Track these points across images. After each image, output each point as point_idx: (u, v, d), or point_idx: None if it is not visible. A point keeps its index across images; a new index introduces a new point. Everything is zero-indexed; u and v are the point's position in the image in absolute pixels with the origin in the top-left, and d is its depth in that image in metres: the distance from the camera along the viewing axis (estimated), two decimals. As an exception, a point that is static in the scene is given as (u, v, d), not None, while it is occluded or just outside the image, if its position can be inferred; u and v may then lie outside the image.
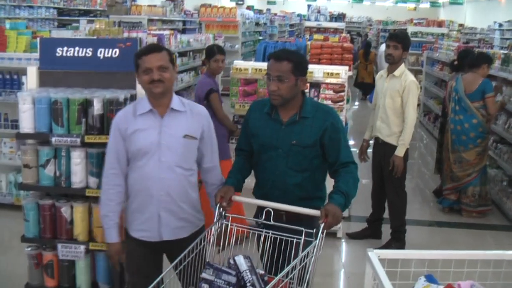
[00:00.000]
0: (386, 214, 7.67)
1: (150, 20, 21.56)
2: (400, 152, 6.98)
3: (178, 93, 13.92)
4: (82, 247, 4.60)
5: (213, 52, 7.66)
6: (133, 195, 4.20)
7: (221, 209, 4.02)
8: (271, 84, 4.09)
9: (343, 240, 7.73)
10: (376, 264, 3.33)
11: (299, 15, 37.59)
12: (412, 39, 16.41)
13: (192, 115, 4.20)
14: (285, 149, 4.20)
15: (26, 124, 4.57)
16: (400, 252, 4.04)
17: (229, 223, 4.05)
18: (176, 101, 4.19)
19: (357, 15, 49.58)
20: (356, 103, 20.36)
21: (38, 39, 5.42)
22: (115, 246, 4.27)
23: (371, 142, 7.66)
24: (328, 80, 7.44)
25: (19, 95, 4.61)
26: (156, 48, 4.13)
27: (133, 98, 4.71)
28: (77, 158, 4.51)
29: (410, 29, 20.21)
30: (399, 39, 7.06)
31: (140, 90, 4.76)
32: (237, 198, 4.13)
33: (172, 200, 4.13)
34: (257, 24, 24.36)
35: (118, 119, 4.17)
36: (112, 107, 4.46)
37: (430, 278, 3.46)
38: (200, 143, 4.25)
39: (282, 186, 4.23)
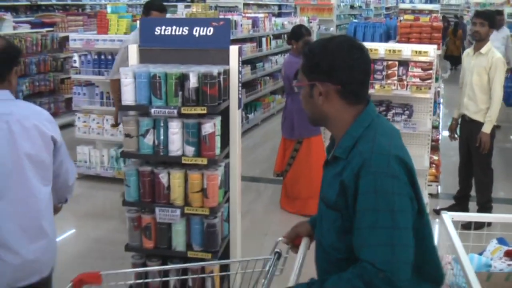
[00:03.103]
0: (473, 192, 7.75)
1: (246, 4, 21.85)
2: (487, 128, 7.06)
3: (272, 74, 14.28)
4: (178, 211, 4.91)
5: (300, 33, 7.94)
6: None
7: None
8: None
9: (430, 217, 7.84)
10: (449, 225, 3.51)
11: (395, -2, 37.23)
12: (508, 20, 16.19)
13: None
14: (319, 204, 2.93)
15: (128, 97, 4.93)
16: (473, 215, 4.20)
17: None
18: None
19: (455, -2, 48.61)
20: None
21: (138, 20, 5.79)
22: None
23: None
24: (416, 58, 7.55)
25: (121, 70, 4.98)
26: None
27: (226, 73, 5.01)
28: (175, 128, 4.81)
29: (507, 10, 19.82)
30: (485, 16, 7.15)
31: (233, 65, 5.10)
32: None
33: None
34: (352, 7, 24.36)
35: None
36: (206, 80, 4.76)
37: (501, 241, 3.64)
38: None
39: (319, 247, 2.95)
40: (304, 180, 7.94)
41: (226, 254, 5.49)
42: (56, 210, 4.16)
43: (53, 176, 3.82)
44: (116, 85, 6.93)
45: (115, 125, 8.24)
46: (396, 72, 7.65)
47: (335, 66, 2.63)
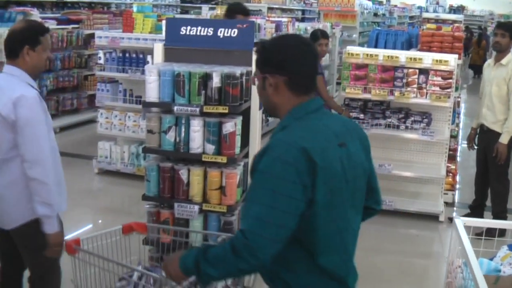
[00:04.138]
0: (488, 202, 7.80)
1: (270, 9, 21.95)
2: (504, 139, 7.10)
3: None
4: (196, 207, 5.03)
5: (316, 36, 8.06)
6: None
7: None
8: None
9: (444, 225, 7.91)
10: (461, 230, 3.59)
11: (419, 7, 37.11)
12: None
13: None
14: None
15: (152, 94, 5.06)
16: (485, 221, 4.27)
17: None
18: None
19: (479, 8, 48.40)
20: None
21: (163, 20, 5.90)
22: (60, 235, 4.18)
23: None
24: (436, 67, 7.62)
25: (147, 68, 5.11)
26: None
27: (248, 74, 5.11)
28: (196, 126, 4.93)
29: (531, 23, 19.77)
30: (506, 27, 7.21)
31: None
32: None
33: None
34: (375, 14, 24.34)
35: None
36: (229, 81, 4.87)
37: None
38: None
39: None
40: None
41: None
42: (47, 243, 4.13)
43: (17, 155, 4.03)
44: None
45: None
46: (416, 80, 7.72)
47: (283, 59, 2.84)
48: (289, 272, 2.80)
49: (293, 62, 2.84)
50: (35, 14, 11.92)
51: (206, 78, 4.92)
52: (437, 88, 7.63)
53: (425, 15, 21.87)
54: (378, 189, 3.19)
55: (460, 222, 3.67)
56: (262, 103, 3.07)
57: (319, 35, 8.08)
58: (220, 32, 5.34)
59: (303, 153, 2.64)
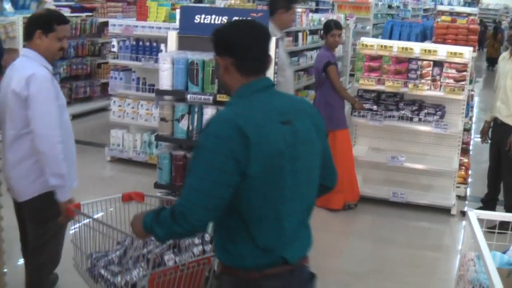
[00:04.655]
0: (501, 196, 7.76)
1: (284, -1, 21.85)
2: (517, 133, 7.07)
3: (306, 69, 14.31)
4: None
5: (330, 27, 8.01)
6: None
7: None
8: None
9: (456, 218, 7.89)
10: (474, 223, 3.56)
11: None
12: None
13: None
14: None
15: (165, 82, 5.05)
16: (498, 214, 4.23)
17: None
18: None
19: (494, 2, 48.14)
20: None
21: (178, 9, 5.88)
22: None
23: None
24: (451, 59, 7.58)
25: (160, 56, 5.11)
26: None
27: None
28: (209, 114, 4.90)
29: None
30: (521, 21, 7.17)
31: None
32: None
33: None
34: (389, 6, 24.25)
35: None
36: (243, 69, 4.86)
37: (525, 240, 3.67)
38: None
39: None
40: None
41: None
42: (60, 210, 4.45)
43: (28, 132, 4.37)
44: None
45: None
46: (430, 72, 7.68)
47: (232, 43, 3.02)
48: (230, 241, 2.99)
49: (240, 45, 3.02)
50: (49, 2, 11.91)
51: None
52: (451, 81, 7.60)
53: (439, 7, 21.71)
54: (332, 167, 3.33)
55: (474, 214, 3.64)
56: (220, 83, 3.33)
57: (332, 25, 8.03)
58: (235, 21, 5.32)
59: (237, 129, 2.80)
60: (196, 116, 4.98)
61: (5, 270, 4.96)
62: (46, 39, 4.41)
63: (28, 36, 4.49)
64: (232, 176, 2.81)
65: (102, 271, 3.84)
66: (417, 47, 7.81)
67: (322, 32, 8.39)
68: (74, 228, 4.07)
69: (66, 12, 12.31)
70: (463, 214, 7.76)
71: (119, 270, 3.74)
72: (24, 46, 4.62)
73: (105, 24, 12.18)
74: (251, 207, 2.89)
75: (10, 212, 4.95)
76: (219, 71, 3.12)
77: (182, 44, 5.45)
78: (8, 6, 10.48)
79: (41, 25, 4.42)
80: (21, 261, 5.53)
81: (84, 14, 13.20)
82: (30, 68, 4.33)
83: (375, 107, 7.97)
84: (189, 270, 3.80)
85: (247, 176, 2.82)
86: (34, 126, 4.29)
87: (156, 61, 8.66)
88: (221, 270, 3.14)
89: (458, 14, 18.38)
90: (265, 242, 2.94)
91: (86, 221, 3.96)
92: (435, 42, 8.75)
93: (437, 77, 7.67)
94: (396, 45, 7.91)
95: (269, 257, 2.97)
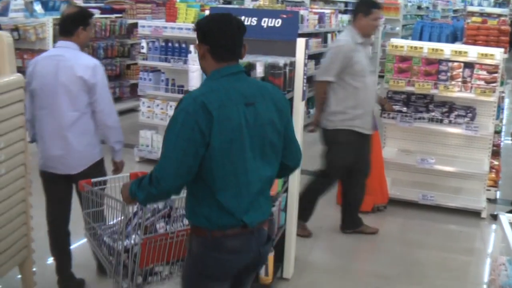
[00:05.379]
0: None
1: (313, 0, 21.84)
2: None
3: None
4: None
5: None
6: None
7: None
8: None
9: (486, 221, 7.81)
10: (505, 226, 3.53)
11: (463, 0, 36.65)
12: None
13: None
14: None
15: (195, 83, 5.07)
16: (531, 218, 4.18)
17: None
18: None
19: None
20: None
21: (207, 10, 5.89)
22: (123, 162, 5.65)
23: None
24: (481, 61, 7.52)
25: (190, 57, 5.13)
26: None
27: (292, 64, 5.09)
28: (239, 116, 4.91)
29: None
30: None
31: (299, 57, 5.16)
32: None
33: None
34: (419, 7, 24.13)
35: None
36: (272, 71, 4.85)
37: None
38: None
39: None
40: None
41: (281, 243, 5.58)
42: (117, 167, 5.57)
43: (91, 111, 5.15)
44: (323, 87, 6.73)
45: (313, 130, 7.22)
46: (461, 73, 7.63)
47: (207, 32, 3.47)
48: (198, 205, 3.45)
49: (214, 34, 3.45)
50: (79, 3, 12.01)
51: (249, 67, 4.89)
52: (482, 82, 7.54)
53: (469, 8, 21.60)
54: (294, 148, 3.72)
55: (505, 218, 3.61)
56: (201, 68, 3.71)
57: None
58: (264, 22, 5.33)
59: (202, 106, 3.25)
60: (225, 117, 4.98)
61: (34, 269, 5.03)
62: (85, 33, 5.19)
63: (68, 32, 5.14)
64: (198, 146, 3.25)
65: (105, 238, 4.35)
66: (447, 49, 7.76)
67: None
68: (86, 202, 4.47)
69: (96, 14, 12.41)
70: (494, 217, 7.69)
71: (119, 237, 4.19)
72: (61, 39, 5.21)
73: (135, 25, 12.24)
74: (214, 175, 3.33)
75: (40, 212, 5.00)
76: (199, 57, 3.56)
77: (212, 45, 5.46)
78: (38, 8, 10.59)
79: (81, 21, 5.17)
80: (50, 260, 5.60)
81: (113, 16, 13.27)
82: (90, 59, 5.19)
83: (404, 109, 7.93)
84: (178, 238, 4.16)
85: (210, 147, 3.27)
86: (102, 107, 5.13)
87: (185, 62, 8.70)
88: (191, 230, 3.61)
89: (489, 15, 18.26)
90: (227, 206, 3.37)
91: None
92: (466, 43, 8.69)
93: (468, 79, 7.61)
94: (426, 46, 7.86)
95: (230, 219, 3.41)
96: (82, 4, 12.13)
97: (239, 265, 3.54)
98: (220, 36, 3.46)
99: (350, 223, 7.16)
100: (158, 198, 3.59)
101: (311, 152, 9.64)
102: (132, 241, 4.17)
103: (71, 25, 5.14)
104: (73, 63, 5.02)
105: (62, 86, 5.00)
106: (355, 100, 6.56)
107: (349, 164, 6.78)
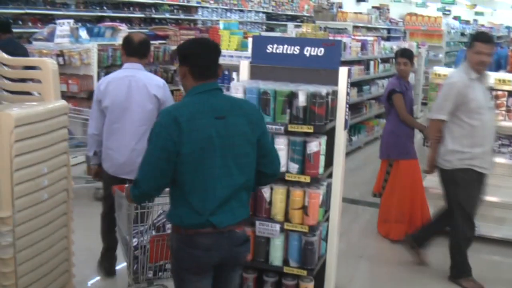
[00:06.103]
0: None
1: (355, 27, 21.86)
2: None
3: (378, 98, 14.22)
4: (277, 226, 4.99)
5: (395, 55, 8.04)
6: None
7: None
8: None
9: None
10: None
11: (507, 27, 36.38)
12: None
13: None
14: None
15: (237, 111, 5.09)
16: None
17: None
18: None
19: None
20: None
21: (250, 38, 5.96)
22: None
23: None
24: (526, 90, 7.45)
25: (232, 85, 5.15)
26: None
27: (334, 93, 5.08)
28: (281, 145, 4.91)
29: None
30: None
31: (342, 86, 5.16)
32: None
33: None
34: (462, 34, 24.03)
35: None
36: (315, 100, 4.84)
37: None
38: None
39: None
40: (393, 204, 7.89)
41: (321, 273, 5.54)
42: None
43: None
44: (437, 125, 6.47)
45: (430, 171, 6.83)
46: (505, 102, 7.56)
47: (186, 54, 3.96)
48: (173, 205, 3.94)
49: (192, 56, 3.93)
50: (124, 30, 12.17)
51: (291, 96, 4.91)
52: (524, 111, 7.45)
53: (513, 35, 21.42)
54: (271, 157, 4.12)
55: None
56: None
57: (398, 54, 8.04)
58: (307, 51, 5.33)
59: (174, 119, 3.73)
60: (267, 145, 4.99)
61: (75, 293, 5.07)
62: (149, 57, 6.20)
63: (143, 55, 6.02)
64: (170, 153, 3.72)
65: (126, 236, 4.89)
66: (491, 77, 7.68)
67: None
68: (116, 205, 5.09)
69: (140, 40, 12.55)
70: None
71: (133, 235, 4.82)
72: (133, 61, 5.94)
73: (178, 51, 12.35)
74: (185, 179, 3.78)
75: (80, 236, 5.07)
76: (180, 77, 3.99)
77: (254, 73, 5.49)
78: (83, 34, 10.77)
79: (150, 46, 6.19)
80: (90, 284, 5.64)
81: (157, 42, 13.40)
82: (159, 79, 6.04)
83: (448, 138, 7.84)
84: None
85: (180, 154, 3.72)
86: None
87: (228, 89, 8.73)
88: (171, 229, 4.09)
89: (535, 42, 18.06)
90: (196, 207, 3.80)
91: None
92: (510, 71, 8.59)
93: (507, 108, 7.52)
94: (470, 75, 7.79)
95: (199, 219, 3.82)
96: (127, 31, 12.31)
97: (211, 261, 3.92)
98: (197, 58, 3.92)
99: (420, 238, 7.12)
100: (142, 197, 4.03)
101: (352, 180, 9.61)
102: (145, 239, 4.79)
103: (146, 49, 6.03)
104: (146, 83, 5.77)
105: (135, 103, 5.72)
106: (472, 139, 6.27)
107: (477, 202, 6.59)
